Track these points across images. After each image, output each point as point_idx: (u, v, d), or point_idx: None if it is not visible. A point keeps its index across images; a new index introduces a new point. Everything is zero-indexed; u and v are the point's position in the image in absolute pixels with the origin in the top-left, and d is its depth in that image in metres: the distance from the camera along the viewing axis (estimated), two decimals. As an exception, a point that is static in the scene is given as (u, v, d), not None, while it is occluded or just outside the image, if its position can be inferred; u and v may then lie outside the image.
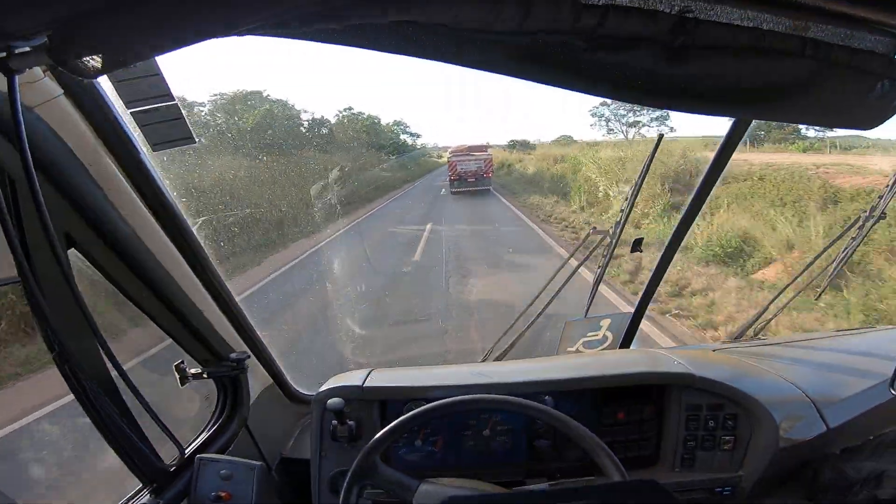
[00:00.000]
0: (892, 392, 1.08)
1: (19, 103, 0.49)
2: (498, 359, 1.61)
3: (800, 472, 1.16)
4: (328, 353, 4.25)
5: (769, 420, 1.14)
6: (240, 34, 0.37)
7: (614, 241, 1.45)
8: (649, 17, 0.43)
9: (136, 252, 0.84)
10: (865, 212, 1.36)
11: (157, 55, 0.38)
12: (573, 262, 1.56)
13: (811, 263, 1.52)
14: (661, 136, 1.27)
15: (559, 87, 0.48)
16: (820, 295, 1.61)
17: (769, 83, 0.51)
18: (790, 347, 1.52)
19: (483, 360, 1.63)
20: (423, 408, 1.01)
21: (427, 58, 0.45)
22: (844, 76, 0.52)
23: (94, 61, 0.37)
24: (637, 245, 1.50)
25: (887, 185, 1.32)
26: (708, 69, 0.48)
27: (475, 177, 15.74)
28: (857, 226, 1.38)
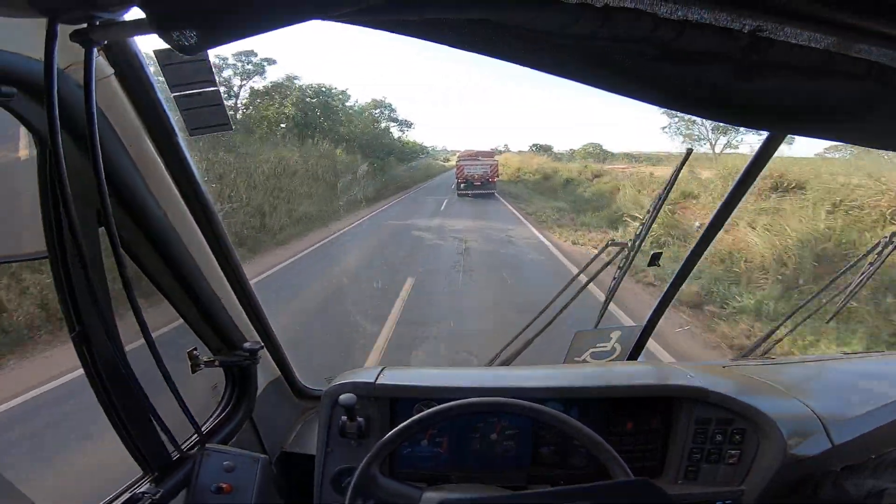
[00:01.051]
0: None
1: (93, 76, 0.48)
2: (504, 364, 1.61)
3: (800, 488, 1.17)
4: (332, 348, 4.26)
5: (777, 436, 1.14)
6: (328, 18, 0.37)
7: (633, 253, 1.45)
8: (725, 35, 0.43)
9: (164, 235, 0.84)
10: (886, 237, 1.37)
11: (251, 35, 0.38)
12: (587, 273, 1.55)
13: (827, 286, 1.52)
14: (689, 151, 1.27)
15: (627, 95, 0.49)
16: (832, 318, 1.61)
17: (834, 105, 0.52)
18: (799, 366, 1.53)
19: (490, 364, 1.62)
20: (430, 411, 1.00)
21: (498, 57, 0.45)
22: None
23: (191, 36, 0.37)
24: (655, 259, 1.50)
25: None
26: (775, 88, 0.49)
27: (481, 181, 16.83)
28: (877, 251, 1.39)
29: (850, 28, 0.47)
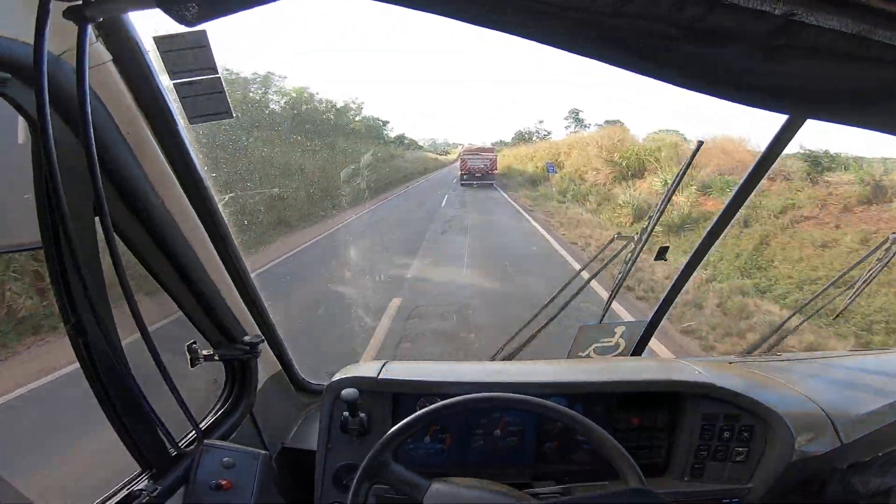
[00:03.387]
0: None
1: (87, 55, 0.47)
2: (507, 358, 1.60)
3: (807, 486, 1.16)
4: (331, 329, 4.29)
5: (786, 433, 1.13)
6: None
7: (640, 247, 1.43)
8: (756, 16, 0.42)
9: (163, 225, 0.82)
10: (894, 234, 1.35)
11: (252, 7, 0.36)
12: (592, 267, 1.54)
13: (833, 282, 1.50)
14: (700, 143, 1.25)
15: (645, 74, 0.47)
16: (837, 315, 1.60)
17: (860, 90, 0.50)
18: (805, 363, 1.51)
19: (492, 359, 1.61)
20: (436, 405, 0.98)
21: (511, 32, 0.43)
22: None
23: (194, 8, 0.35)
24: (662, 253, 1.48)
25: None
26: (801, 69, 0.47)
27: (482, 173, 19.26)
28: (885, 247, 1.37)
29: (881, 14, 0.46)
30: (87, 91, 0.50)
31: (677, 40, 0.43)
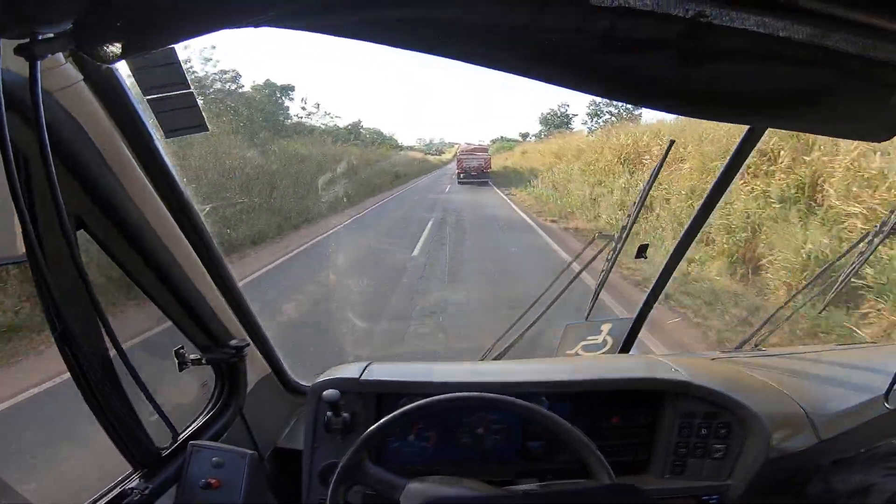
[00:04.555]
0: (887, 406, 1.07)
1: (39, 87, 0.50)
2: (496, 358, 1.61)
3: (788, 483, 1.17)
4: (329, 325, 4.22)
5: (762, 430, 1.14)
6: (257, 25, 0.37)
7: (619, 245, 1.45)
8: (663, 21, 0.42)
9: (145, 236, 0.85)
10: (876, 227, 1.36)
11: (178, 42, 0.38)
12: (576, 267, 1.56)
13: (817, 276, 1.51)
14: (672, 143, 1.26)
15: (569, 87, 0.48)
16: (823, 309, 1.61)
17: (783, 91, 0.51)
18: (788, 359, 1.52)
19: (482, 359, 1.63)
20: (413, 405, 1.01)
21: (437, 54, 0.44)
22: (860, 87, 0.51)
23: (115, 48, 0.38)
24: (642, 251, 1.50)
25: None
26: (721, 75, 0.48)
27: (477, 171, 20.48)
28: (867, 240, 1.37)
29: (801, 13, 0.46)
30: (44, 123, 0.53)
31: (596, 51, 0.44)
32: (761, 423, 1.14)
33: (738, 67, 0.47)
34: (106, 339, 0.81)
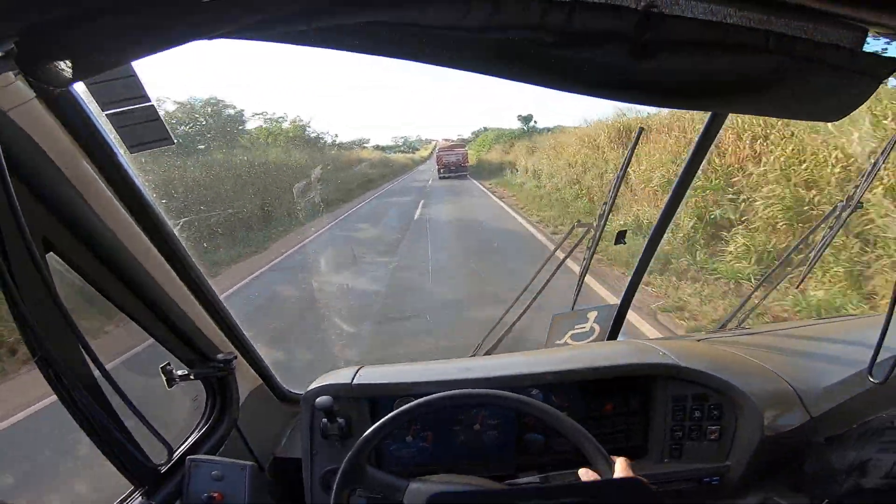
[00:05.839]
0: (871, 380, 1.07)
1: None
2: (487, 353, 1.62)
3: (785, 462, 1.17)
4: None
5: (752, 409, 1.15)
6: (213, 38, 0.36)
7: (598, 233, 1.47)
8: (615, 13, 0.43)
9: (117, 254, 0.83)
10: (842, 201, 1.39)
11: (131, 61, 0.37)
12: (559, 256, 1.57)
13: (790, 253, 1.55)
14: (641, 130, 1.28)
15: (530, 83, 0.49)
16: (800, 283, 1.65)
17: (737, 77, 0.52)
18: (772, 336, 1.54)
19: (473, 355, 1.64)
20: (404, 407, 1.01)
21: (397, 57, 0.45)
22: (810, 70, 0.53)
23: (65, 68, 0.37)
24: (620, 237, 1.52)
25: (862, 175, 1.34)
26: (675, 64, 0.49)
27: (456, 166, 21.41)
28: (835, 215, 1.41)
29: (748, 0, 0.48)
30: None
31: (552, 46, 0.44)
32: (752, 403, 1.15)
33: (692, 56, 0.48)
34: (89, 360, 0.80)
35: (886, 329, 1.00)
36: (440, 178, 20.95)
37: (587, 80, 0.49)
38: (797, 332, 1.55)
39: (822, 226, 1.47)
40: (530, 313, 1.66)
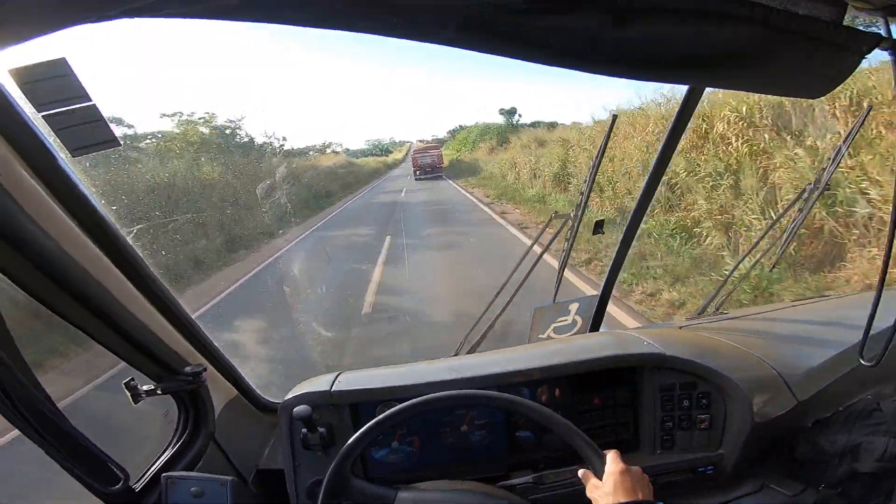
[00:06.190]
0: (863, 362, 1.01)
1: None
2: (471, 351, 1.60)
3: (776, 447, 1.17)
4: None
5: (741, 396, 1.14)
6: (111, 18, 0.33)
7: (576, 223, 1.46)
8: None
9: (64, 268, 0.76)
10: (811, 183, 1.42)
11: (20, 43, 0.33)
12: (537, 249, 1.56)
13: (762, 236, 1.57)
14: (615, 117, 1.28)
15: (504, 55, 0.46)
16: (774, 266, 1.68)
17: (715, 49, 0.51)
18: (752, 320, 1.56)
19: (456, 354, 1.62)
20: (385, 413, 0.99)
21: (357, 30, 0.41)
22: (790, 42, 0.52)
23: None
24: (599, 227, 1.52)
25: (829, 158, 1.37)
26: (652, 33, 0.47)
27: (431, 167, 21.79)
28: (804, 198, 1.44)
29: None
30: None
31: (524, 13, 0.42)
32: (739, 390, 1.14)
33: (670, 26, 0.47)
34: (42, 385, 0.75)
35: (875, 309, 0.96)
36: (416, 179, 21.06)
37: (561, 49, 0.47)
38: (777, 315, 1.57)
39: (792, 209, 1.49)
40: (512, 308, 1.65)
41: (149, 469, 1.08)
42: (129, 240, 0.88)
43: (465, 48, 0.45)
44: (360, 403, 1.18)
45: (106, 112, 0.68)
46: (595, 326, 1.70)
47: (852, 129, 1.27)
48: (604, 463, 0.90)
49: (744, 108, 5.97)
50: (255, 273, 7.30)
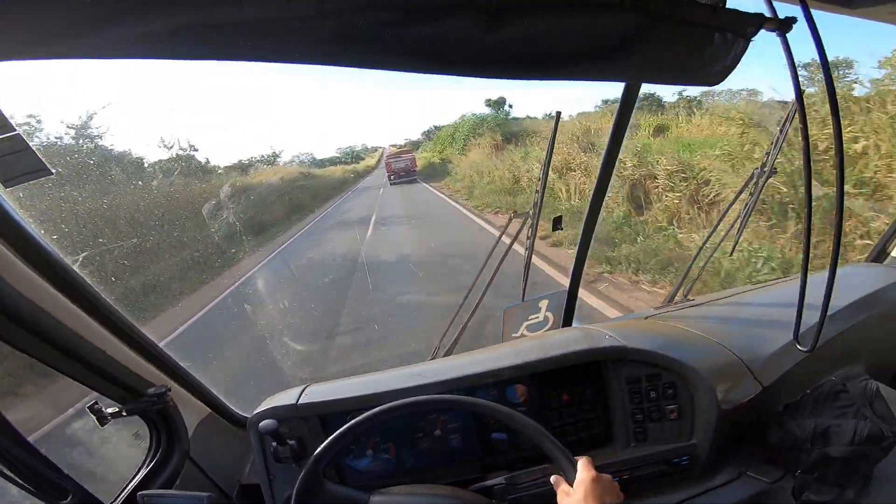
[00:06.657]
0: (799, 348, 1.05)
1: None
2: (447, 353, 1.61)
3: (749, 435, 1.17)
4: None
5: (704, 384, 1.15)
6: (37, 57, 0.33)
7: (535, 221, 1.48)
8: None
9: (8, 299, 0.77)
10: (758, 168, 1.46)
11: None
12: (501, 249, 1.58)
13: (719, 222, 1.61)
14: (559, 114, 1.30)
15: (379, 68, 0.46)
16: (733, 251, 1.71)
17: (595, 41, 0.50)
18: (715, 306, 1.58)
19: (432, 358, 1.63)
20: (347, 425, 1.00)
21: (225, 59, 0.42)
22: (674, 29, 0.52)
23: None
24: (558, 223, 1.54)
25: (772, 142, 1.41)
26: (530, 32, 0.47)
27: (405, 172, 21.53)
28: (752, 182, 1.47)
29: None
30: None
31: (399, 24, 0.42)
32: (702, 378, 1.15)
33: (550, 21, 0.46)
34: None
35: (803, 295, 0.99)
36: (391, 184, 20.79)
37: (443, 57, 0.47)
38: (737, 299, 1.59)
39: (743, 193, 1.53)
40: (485, 309, 1.67)
41: (124, 489, 1.07)
42: (76, 267, 0.88)
43: (341, 65, 0.44)
44: (330, 414, 1.19)
45: (42, 139, 0.69)
46: (567, 321, 1.71)
47: (788, 113, 1.31)
48: (575, 469, 0.90)
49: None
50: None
